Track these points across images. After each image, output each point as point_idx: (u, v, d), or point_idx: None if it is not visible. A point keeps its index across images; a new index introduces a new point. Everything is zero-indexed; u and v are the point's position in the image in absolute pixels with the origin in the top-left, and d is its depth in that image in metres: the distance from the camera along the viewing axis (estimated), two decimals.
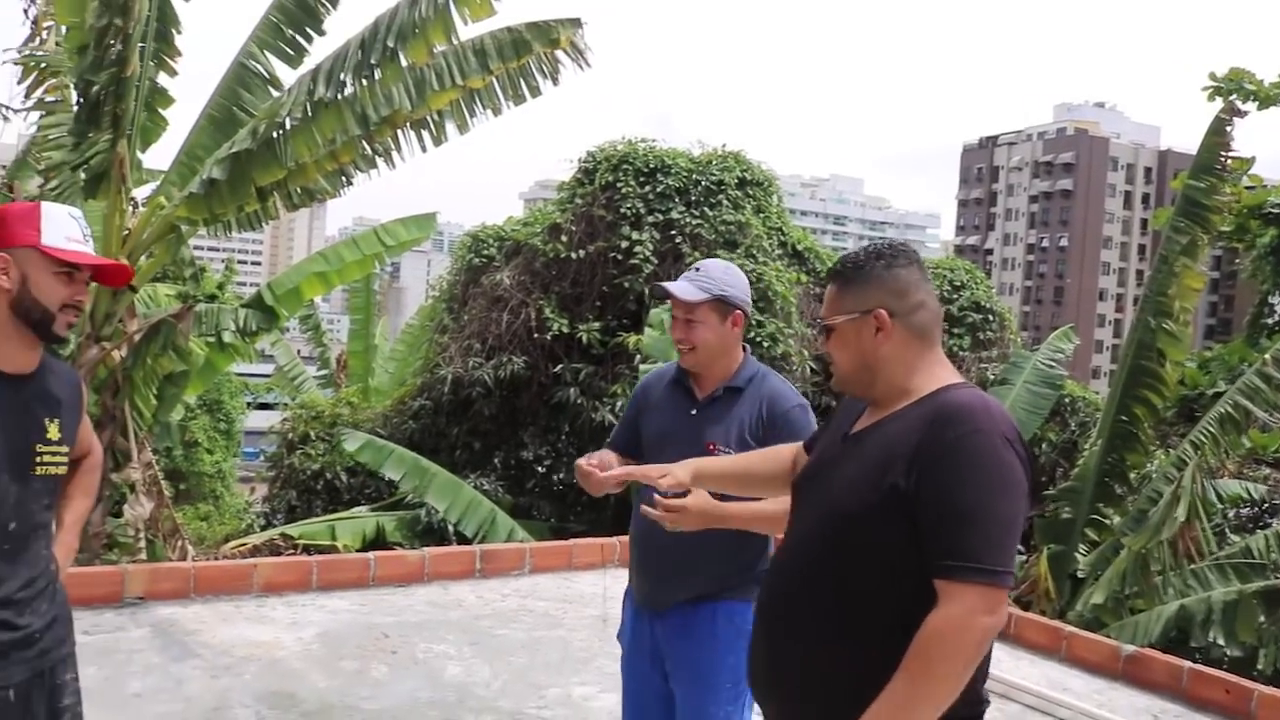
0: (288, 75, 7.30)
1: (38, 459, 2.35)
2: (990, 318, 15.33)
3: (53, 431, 2.39)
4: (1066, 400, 13.33)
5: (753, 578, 3.01)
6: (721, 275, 3.10)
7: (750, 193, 13.57)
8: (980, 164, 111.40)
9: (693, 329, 3.06)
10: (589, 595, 6.20)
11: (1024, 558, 9.14)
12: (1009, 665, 5.42)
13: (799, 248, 13.96)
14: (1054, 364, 10.55)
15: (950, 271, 15.76)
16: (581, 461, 2.90)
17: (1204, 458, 8.25)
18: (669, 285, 3.11)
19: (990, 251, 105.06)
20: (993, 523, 1.89)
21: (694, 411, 3.11)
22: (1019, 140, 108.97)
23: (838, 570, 2.03)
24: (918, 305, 2.12)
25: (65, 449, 2.43)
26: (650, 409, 3.24)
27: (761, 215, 13.56)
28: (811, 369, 12.55)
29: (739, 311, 3.10)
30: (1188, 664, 5.28)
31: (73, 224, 2.35)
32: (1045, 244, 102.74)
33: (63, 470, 2.44)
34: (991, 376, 12.28)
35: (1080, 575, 8.83)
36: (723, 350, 3.09)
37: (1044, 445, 12.92)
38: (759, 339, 11.99)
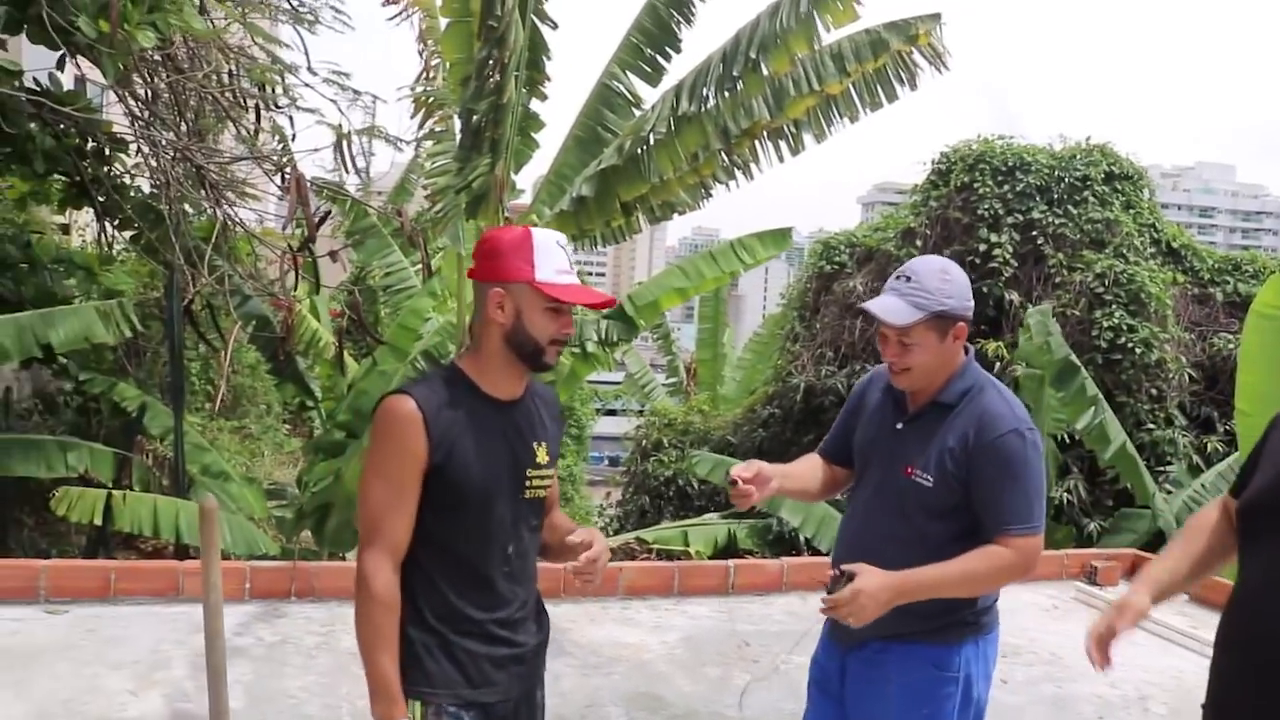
0: (648, 93, 7.53)
1: (528, 483, 2.38)
2: None
3: (541, 455, 2.41)
4: None
5: (962, 619, 2.65)
6: (938, 283, 2.63)
7: (1118, 187, 12.63)
8: None
9: (908, 352, 2.65)
10: None
11: None
12: None
13: (1174, 245, 12.83)
14: None
15: None
16: (740, 471, 2.70)
17: None
18: (873, 306, 2.66)
19: None
20: None
21: (899, 426, 2.76)
22: None
23: None
24: None
25: (551, 472, 2.46)
26: (863, 415, 2.91)
27: (1132, 211, 12.60)
28: (1190, 376, 11.53)
29: (962, 323, 2.66)
30: None
31: (560, 254, 2.31)
32: None
33: (545, 493, 2.47)
34: None
35: None
36: (942, 366, 2.69)
37: None
38: (1130, 345, 11.15)
